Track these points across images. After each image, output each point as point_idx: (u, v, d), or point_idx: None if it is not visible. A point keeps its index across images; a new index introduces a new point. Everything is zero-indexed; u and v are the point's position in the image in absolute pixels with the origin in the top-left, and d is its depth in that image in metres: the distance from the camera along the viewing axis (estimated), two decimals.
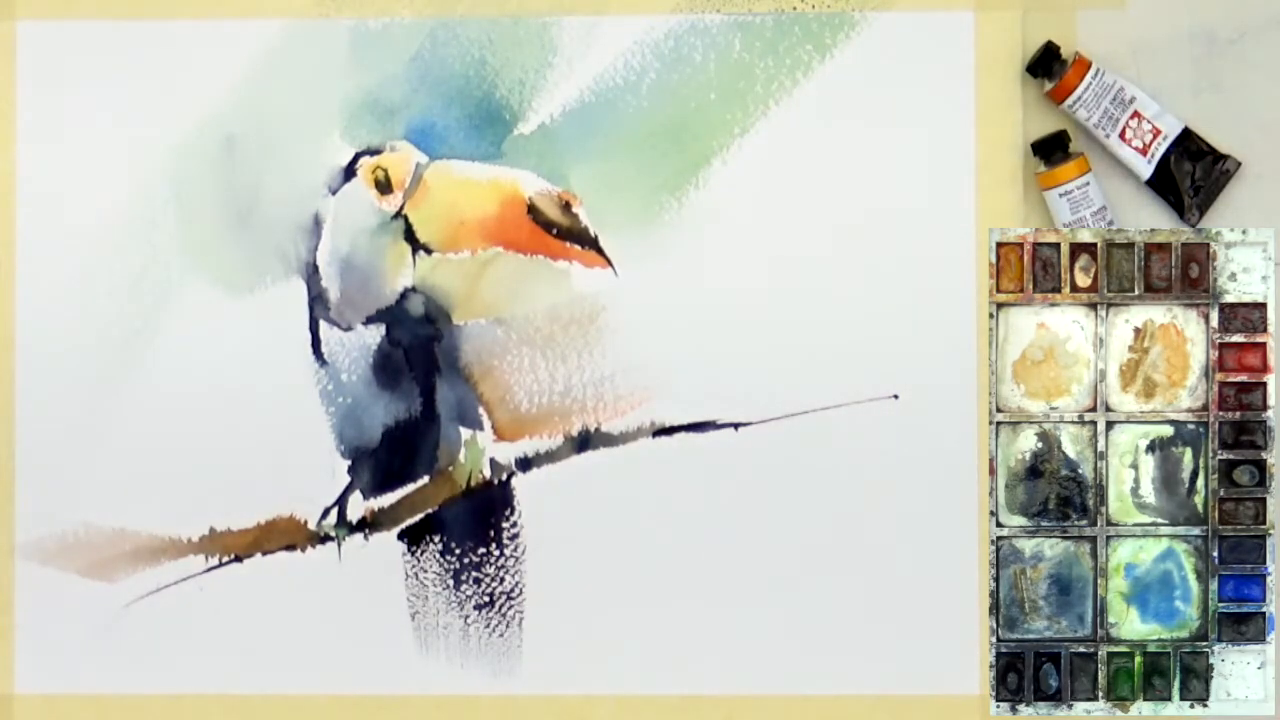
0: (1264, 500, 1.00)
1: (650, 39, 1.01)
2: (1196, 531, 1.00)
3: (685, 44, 1.01)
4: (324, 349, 1.01)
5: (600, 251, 1.00)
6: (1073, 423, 1.00)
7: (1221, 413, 1.00)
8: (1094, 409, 1.00)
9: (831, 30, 1.00)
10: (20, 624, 1.02)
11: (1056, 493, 1.00)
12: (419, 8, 1.01)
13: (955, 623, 1.00)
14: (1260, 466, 0.99)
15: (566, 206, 1.00)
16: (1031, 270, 1.00)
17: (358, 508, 1.02)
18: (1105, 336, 1.00)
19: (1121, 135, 0.99)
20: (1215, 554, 1.00)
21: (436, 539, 1.02)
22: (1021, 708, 1.01)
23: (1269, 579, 1.00)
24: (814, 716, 1.01)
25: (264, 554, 1.01)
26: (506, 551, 1.01)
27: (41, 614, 1.02)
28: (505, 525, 1.01)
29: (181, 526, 1.01)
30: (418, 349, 1.01)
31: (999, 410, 1.00)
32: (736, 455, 1.00)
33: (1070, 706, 1.00)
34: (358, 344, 1.01)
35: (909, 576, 1.00)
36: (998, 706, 1.01)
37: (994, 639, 1.01)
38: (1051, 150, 0.99)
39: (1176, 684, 1.00)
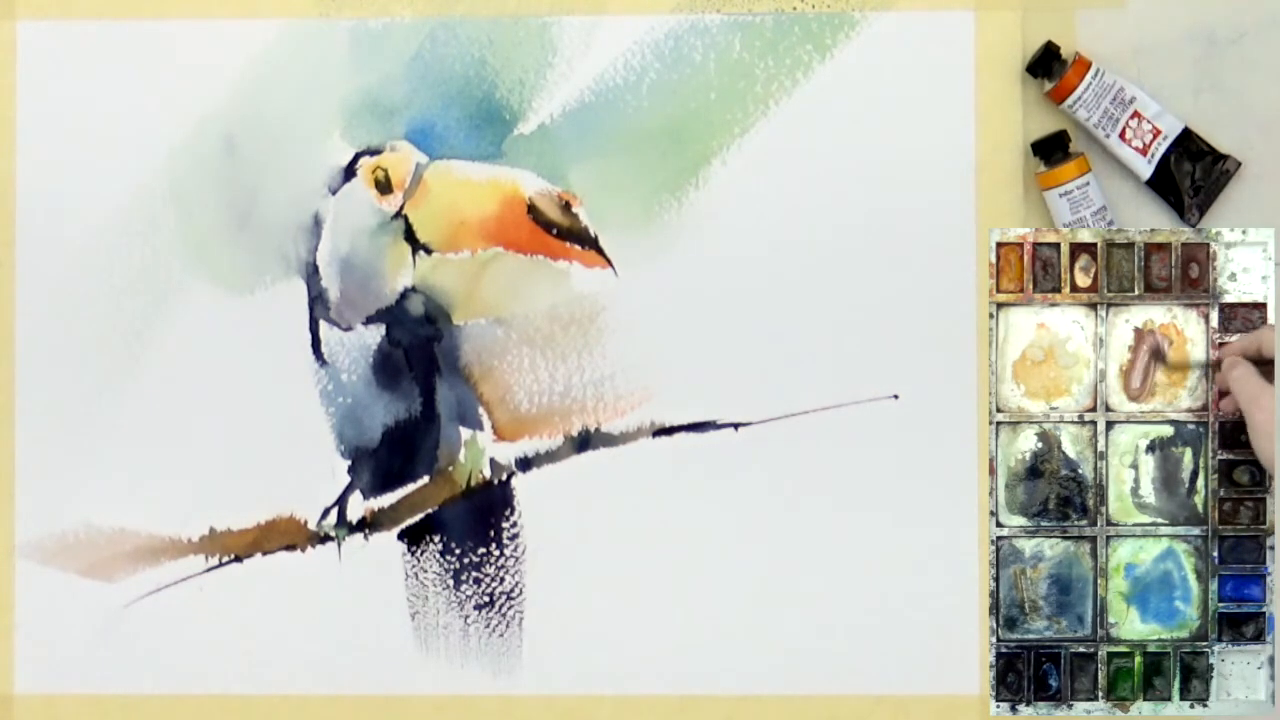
0: (1264, 500, 1.00)
1: (650, 39, 1.01)
2: (1196, 531, 1.00)
3: (685, 44, 1.01)
4: (324, 349, 1.01)
5: (600, 251, 1.00)
6: (1073, 423, 1.00)
7: (1221, 412, 1.00)
8: (1094, 409, 1.00)
9: (831, 30, 1.00)
10: (20, 624, 1.02)
11: (1056, 493, 1.00)
12: (419, 8, 1.01)
13: (955, 623, 1.00)
14: (1260, 466, 0.99)
15: (566, 206, 1.00)
16: (1031, 270, 1.00)
17: (358, 508, 1.02)
18: (1105, 336, 1.00)
19: (1121, 135, 0.99)
20: (1215, 554, 1.00)
21: (436, 539, 1.02)
22: (1021, 708, 1.01)
23: (1269, 579, 1.00)
24: (814, 716, 1.01)
25: (264, 554, 1.01)
26: (506, 551, 1.01)
27: (41, 614, 1.02)
28: (505, 525, 1.01)
29: (181, 526, 1.01)
30: (418, 349, 1.01)
31: (999, 410, 1.00)
32: (736, 455, 1.00)
33: (1070, 706, 1.00)
34: (358, 344, 1.01)
35: (909, 576, 1.00)
36: (998, 706, 1.01)
37: (994, 639, 1.01)
38: (1051, 150, 0.99)
39: (1176, 684, 1.00)
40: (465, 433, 1.01)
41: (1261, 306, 1.00)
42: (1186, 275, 1.00)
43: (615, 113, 1.00)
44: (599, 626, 1.01)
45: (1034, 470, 1.01)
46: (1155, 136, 0.99)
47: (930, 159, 1.00)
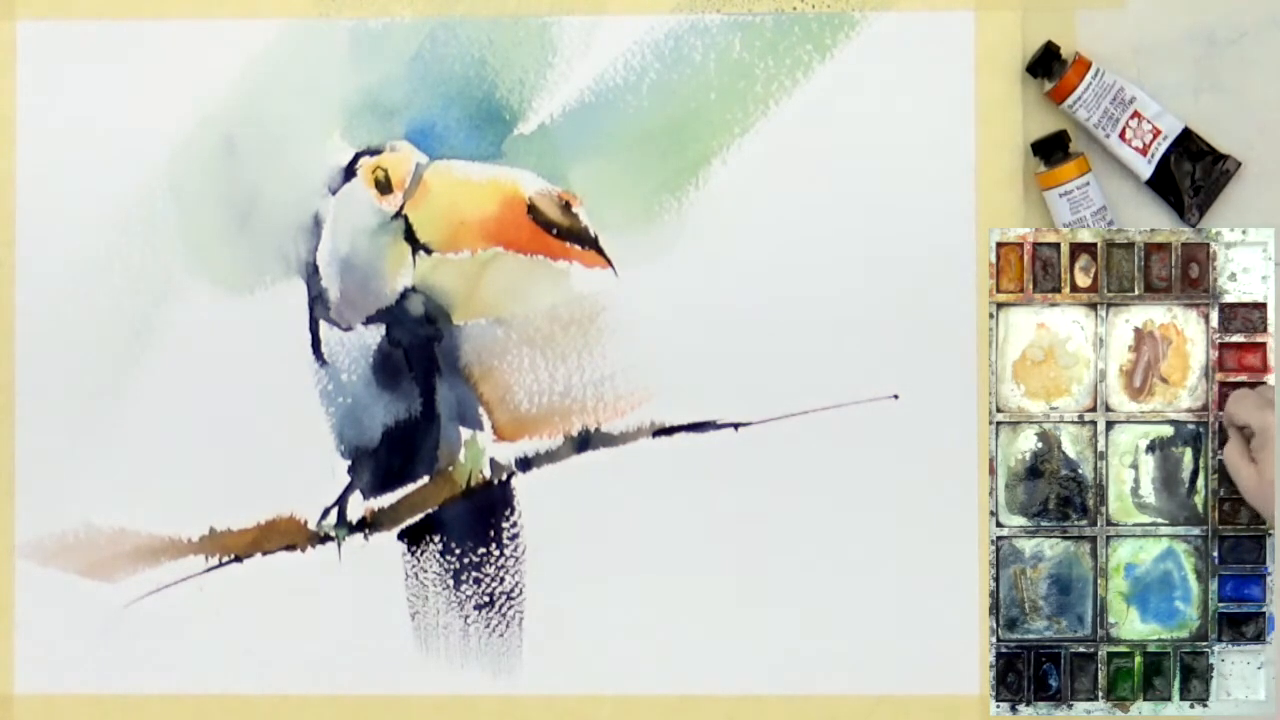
0: None
1: (650, 39, 1.01)
2: (1196, 531, 1.00)
3: (685, 44, 1.01)
4: (324, 349, 1.01)
5: (600, 251, 1.00)
6: (1073, 423, 1.00)
7: (1221, 413, 1.00)
8: (1094, 409, 1.00)
9: (831, 30, 1.00)
10: (20, 624, 1.02)
11: (1056, 493, 1.00)
12: (419, 8, 1.01)
13: (955, 623, 1.00)
14: None
15: (566, 206, 1.00)
16: (1031, 270, 1.00)
17: (358, 508, 1.02)
18: (1105, 336, 1.00)
19: (1121, 135, 0.99)
20: (1215, 554, 1.00)
21: (436, 539, 1.02)
22: (1021, 708, 1.01)
23: (1269, 579, 1.00)
24: (814, 716, 1.01)
25: (264, 554, 1.01)
26: (506, 551, 1.01)
27: (41, 614, 1.02)
28: (505, 525, 1.01)
29: (181, 526, 1.01)
30: (418, 349, 1.01)
31: (999, 410, 1.00)
32: (736, 455, 1.00)
33: (1070, 706, 1.00)
34: (358, 344, 1.01)
35: (909, 576, 1.00)
36: (998, 706, 1.01)
37: (994, 639, 1.01)
38: (1051, 150, 0.99)
39: (1176, 684, 1.00)
40: (465, 433, 1.01)
41: (1261, 306, 1.00)
42: (1186, 275, 1.00)
43: (615, 113, 1.00)
44: (599, 626, 1.01)
45: (1034, 470, 1.01)
46: (1155, 136, 0.99)
47: (930, 159, 1.00)
